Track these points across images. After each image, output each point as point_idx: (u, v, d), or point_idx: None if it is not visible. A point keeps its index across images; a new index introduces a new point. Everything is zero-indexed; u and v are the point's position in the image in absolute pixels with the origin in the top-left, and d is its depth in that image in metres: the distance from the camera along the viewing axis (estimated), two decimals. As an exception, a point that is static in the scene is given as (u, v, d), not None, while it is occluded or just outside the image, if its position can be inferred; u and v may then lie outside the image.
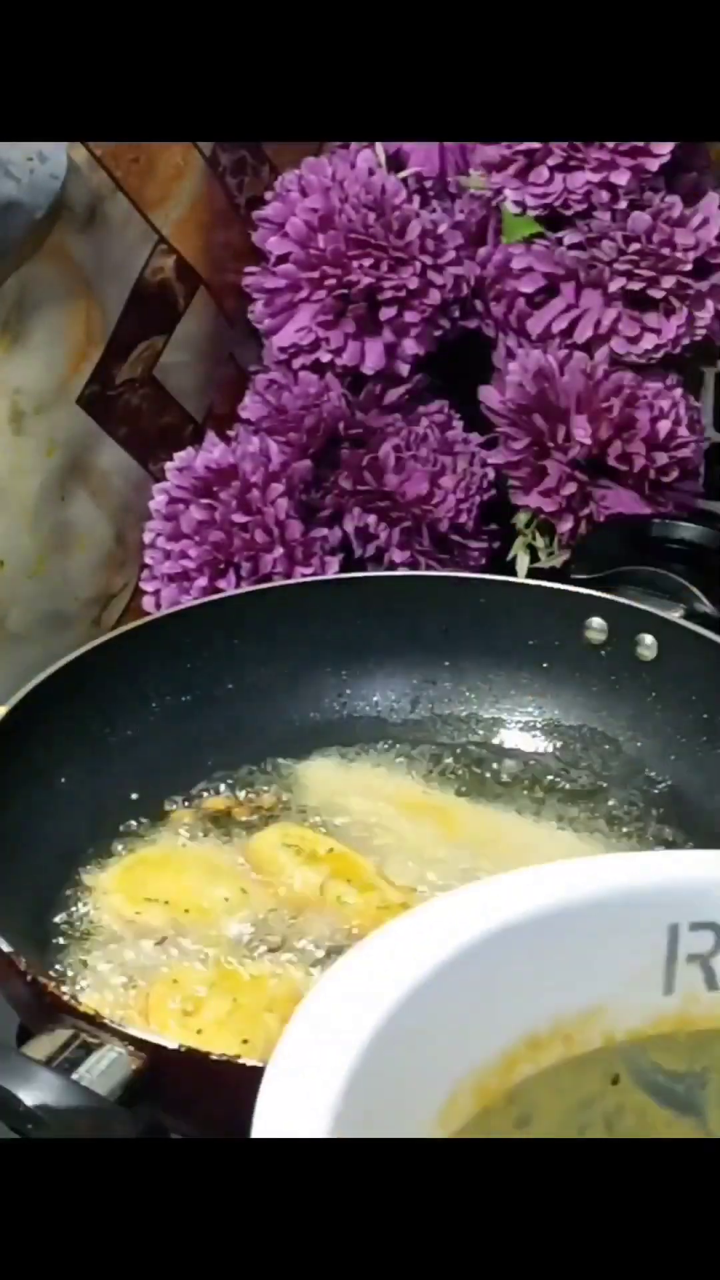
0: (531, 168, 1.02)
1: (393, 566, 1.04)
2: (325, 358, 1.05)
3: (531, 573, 1.07)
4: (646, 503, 1.04)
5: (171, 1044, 0.67)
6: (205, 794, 0.90)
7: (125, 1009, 0.76)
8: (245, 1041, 0.73)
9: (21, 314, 0.98)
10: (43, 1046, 0.67)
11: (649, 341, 1.02)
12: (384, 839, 0.87)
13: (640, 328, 1.02)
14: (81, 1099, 0.64)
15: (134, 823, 0.88)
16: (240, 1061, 0.66)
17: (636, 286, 1.01)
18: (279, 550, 1.00)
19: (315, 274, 1.04)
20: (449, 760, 0.93)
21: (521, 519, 1.08)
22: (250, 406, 1.09)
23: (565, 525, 1.05)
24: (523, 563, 1.08)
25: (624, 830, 0.89)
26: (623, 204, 1.01)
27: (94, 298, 1.02)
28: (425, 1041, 0.51)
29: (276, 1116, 0.49)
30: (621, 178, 1.00)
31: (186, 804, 0.90)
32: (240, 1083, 0.66)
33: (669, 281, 1.00)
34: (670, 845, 0.87)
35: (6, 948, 0.71)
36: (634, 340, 1.02)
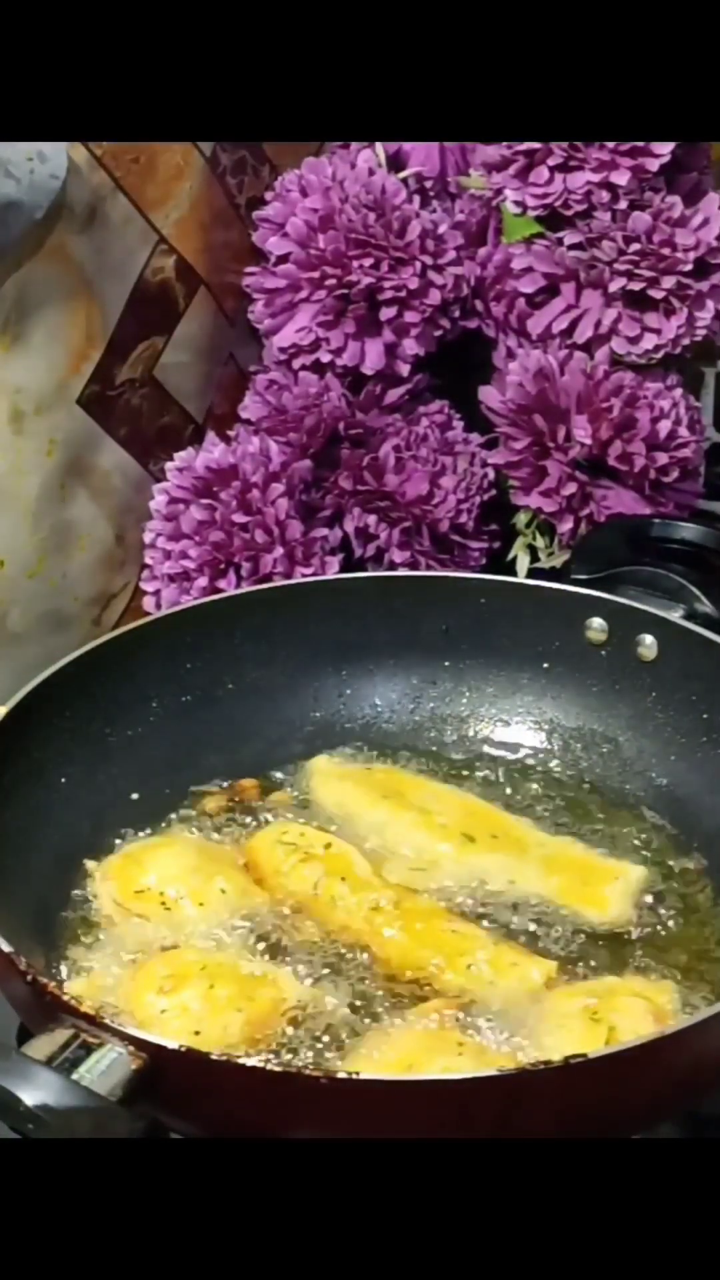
0: (532, 168, 1.02)
1: (393, 566, 1.04)
2: (325, 358, 1.05)
3: (531, 573, 1.07)
4: (647, 503, 1.04)
5: (171, 1044, 0.67)
6: (207, 793, 0.90)
7: (120, 995, 0.76)
8: (197, 1033, 0.73)
9: (21, 314, 0.98)
10: (43, 1046, 0.67)
11: (649, 341, 1.02)
12: (383, 839, 0.87)
13: (640, 328, 1.02)
14: (82, 1099, 0.64)
15: (136, 822, 0.88)
16: (240, 1061, 0.67)
17: (637, 286, 1.01)
18: (279, 550, 1.00)
19: (315, 274, 1.04)
20: (449, 760, 0.93)
21: (521, 519, 1.09)
22: (250, 406, 1.09)
23: (565, 525, 1.05)
24: (523, 563, 1.08)
25: (624, 830, 0.89)
26: (623, 204, 1.01)
27: (94, 298, 1.02)
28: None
29: None
30: (622, 178, 1.00)
31: (188, 803, 0.90)
32: (240, 1082, 0.66)
33: (669, 282, 1.00)
34: (670, 845, 0.87)
35: (6, 947, 0.71)
36: (634, 340, 1.02)
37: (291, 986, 0.77)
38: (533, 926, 0.82)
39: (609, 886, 0.84)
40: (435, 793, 0.90)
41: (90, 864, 0.84)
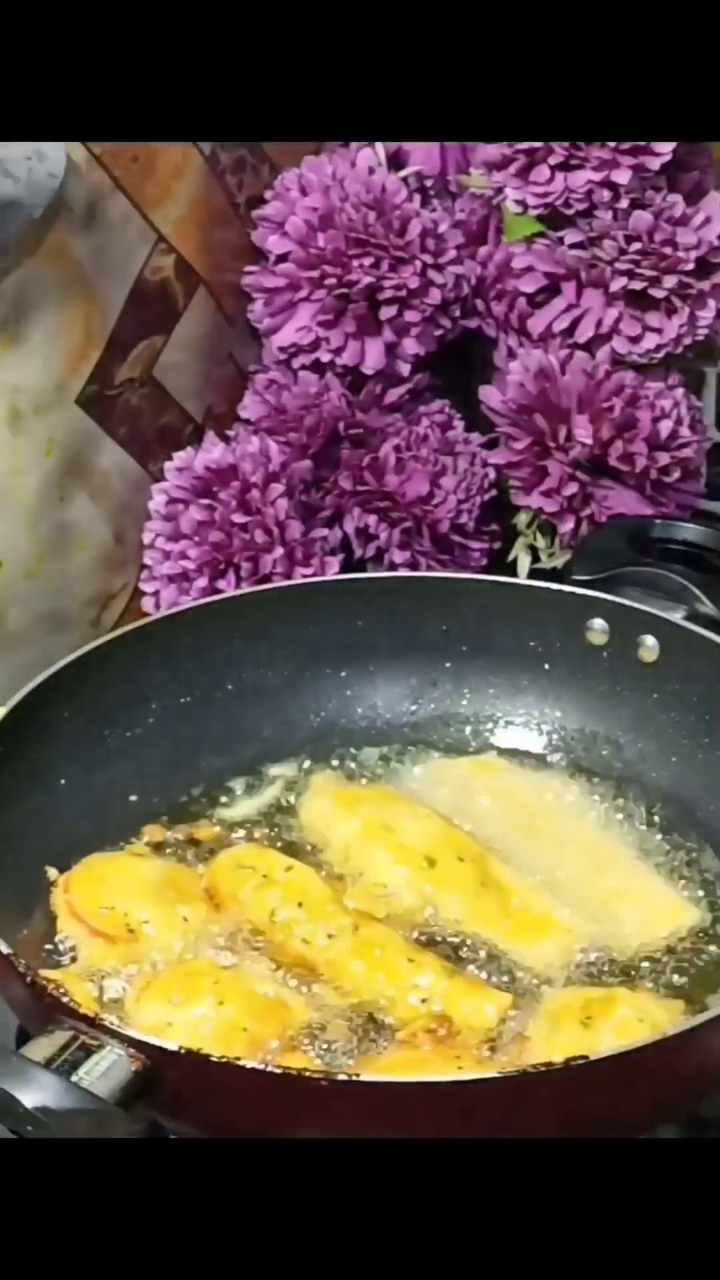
0: (533, 167, 1.01)
1: (393, 566, 1.04)
2: (325, 357, 1.05)
3: (532, 573, 1.07)
4: (648, 503, 1.04)
5: (171, 1045, 0.67)
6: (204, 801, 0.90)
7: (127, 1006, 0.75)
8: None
9: (21, 314, 0.98)
10: (42, 1048, 0.66)
11: (650, 341, 1.02)
12: (349, 860, 0.85)
13: (642, 327, 1.02)
14: (81, 1101, 0.64)
15: (135, 823, 0.87)
16: (240, 1063, 0.66)
17: (638, 286, 1.01)
18: (279, 550, 1.00)
19: (315, 273, 1.04)
20: (449, 761, 0.93)
21: (522, 519, 1.08)
22: (250, 406, 1.08)
23: (566, 525, 1.05)
24: (524, 563, 1.08)
25: (625, 832, 0.88)
26: (624, 203, 1.00)
27: (93, 298, 1.02)
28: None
29: None
30: (623, 177, 0.99)
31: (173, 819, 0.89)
32: (240, 1084, 0.66)
33: (670, 281, 1.00)
34: (671, 846, 0.87)
35: (6, 948, 0.71)
36: (635, 340, 1.02)
37: (302, 1011, 0.75)
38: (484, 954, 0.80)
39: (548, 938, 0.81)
40: (414, 815, 0.87)
41: (52, 871, 0.82)
